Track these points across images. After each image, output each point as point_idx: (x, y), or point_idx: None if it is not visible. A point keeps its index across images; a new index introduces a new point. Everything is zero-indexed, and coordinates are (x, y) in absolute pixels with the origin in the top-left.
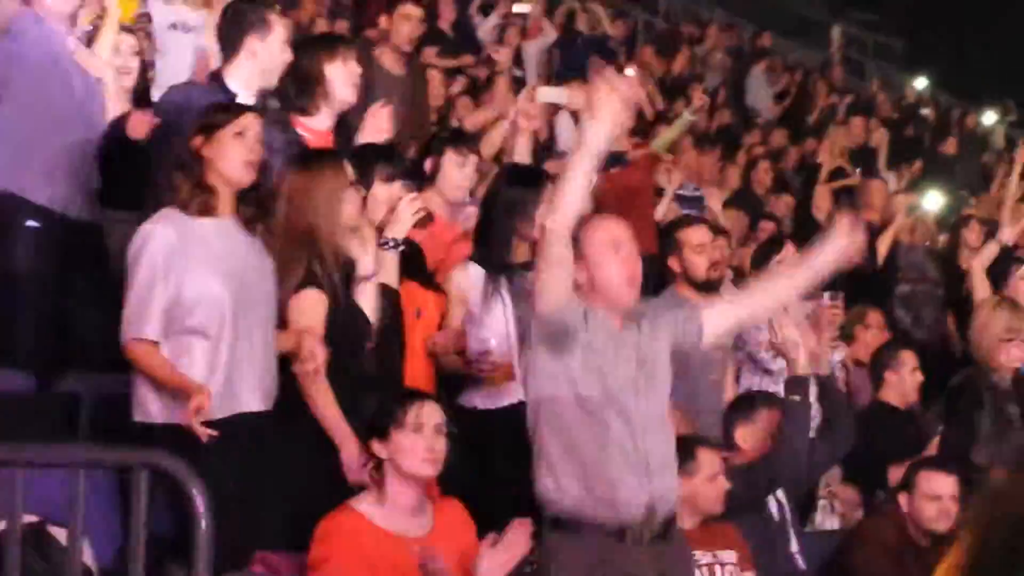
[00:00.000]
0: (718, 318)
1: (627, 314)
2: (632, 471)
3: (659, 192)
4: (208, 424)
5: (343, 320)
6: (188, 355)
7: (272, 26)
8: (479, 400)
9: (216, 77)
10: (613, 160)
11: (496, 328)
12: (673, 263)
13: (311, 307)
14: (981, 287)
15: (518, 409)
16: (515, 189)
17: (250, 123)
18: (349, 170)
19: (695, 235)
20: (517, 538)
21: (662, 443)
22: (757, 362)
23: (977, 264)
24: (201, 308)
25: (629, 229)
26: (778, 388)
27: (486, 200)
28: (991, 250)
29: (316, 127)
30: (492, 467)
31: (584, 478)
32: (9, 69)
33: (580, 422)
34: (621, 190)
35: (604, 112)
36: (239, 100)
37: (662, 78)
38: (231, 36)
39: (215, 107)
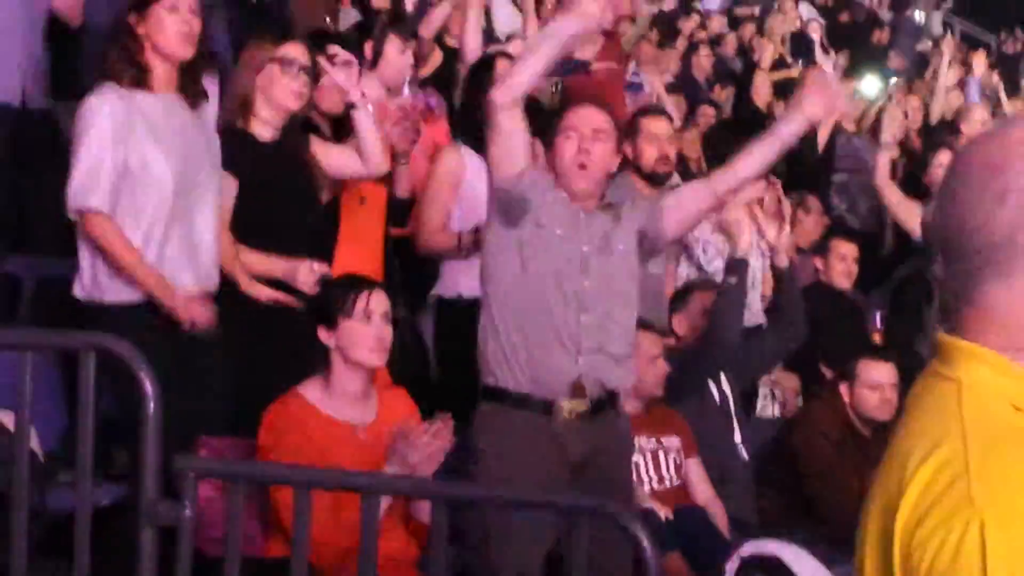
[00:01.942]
0: (679, 206)
1: (602, 201)
2: (561, 347)
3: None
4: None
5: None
6: (135, 234)
7: None
8: (465, 288)
9: None
10: (576, 66)
11: None
12: (626, 148)
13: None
14: (890, 195)
15: None
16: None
17: None
18: (290, 48)
19: (653, 125)
20: (440, 431)
21: (604, 325)
22: (692, 258)
23: (881, 172)
24: (143, 184)
25: (601, 119)
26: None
27: (465, 81)
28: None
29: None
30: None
31: (514, 350)
32: None
33: (519, 293)
34: (589, 81)
35: (583, 8)
36: None
37: None
38: None
39: None
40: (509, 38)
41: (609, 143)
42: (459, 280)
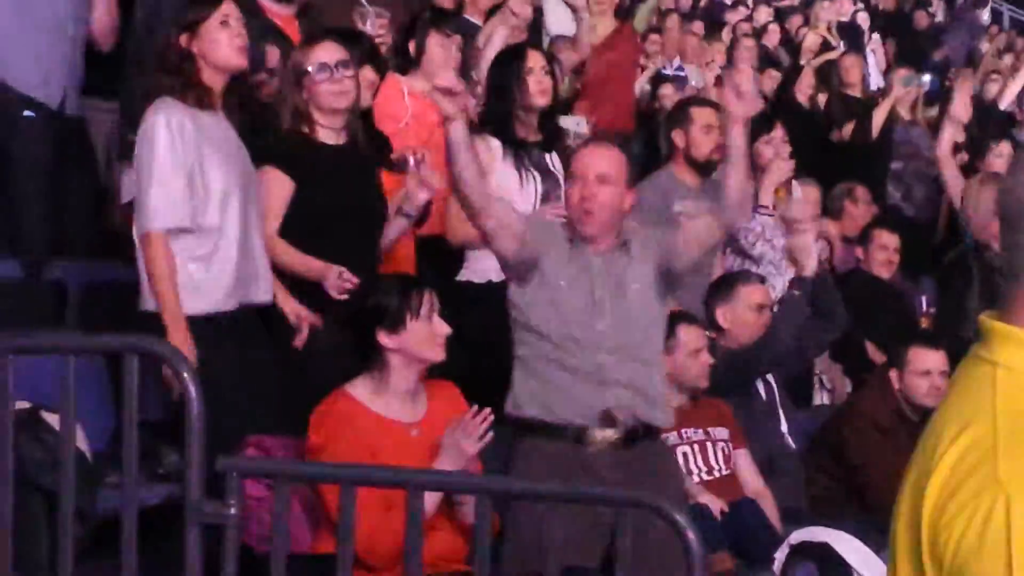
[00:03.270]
0: (693, 241)
1: (614, 239)
2: (588, 384)
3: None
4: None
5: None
6: (206, 248)
7: None
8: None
9: None
10: None
11: (526, 205)
12: (678, 137)
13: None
14: (948, 168)
15: None
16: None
17: (231, 9)
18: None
19: (705, 115)
20: (473, 428)
21: (628, 365)
22: (738, 246)
23: (944, 145)
24: (216, 200)
25: (606, 163)
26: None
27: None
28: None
29: (281, 12)
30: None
31: (544, 387)
32: None
33: (539, 342)
34: (603, 67)
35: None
36: None
37: None
38: None
39: (192, 2)
40: (556, 39)
41: (616, 185)
42: (488, 265)
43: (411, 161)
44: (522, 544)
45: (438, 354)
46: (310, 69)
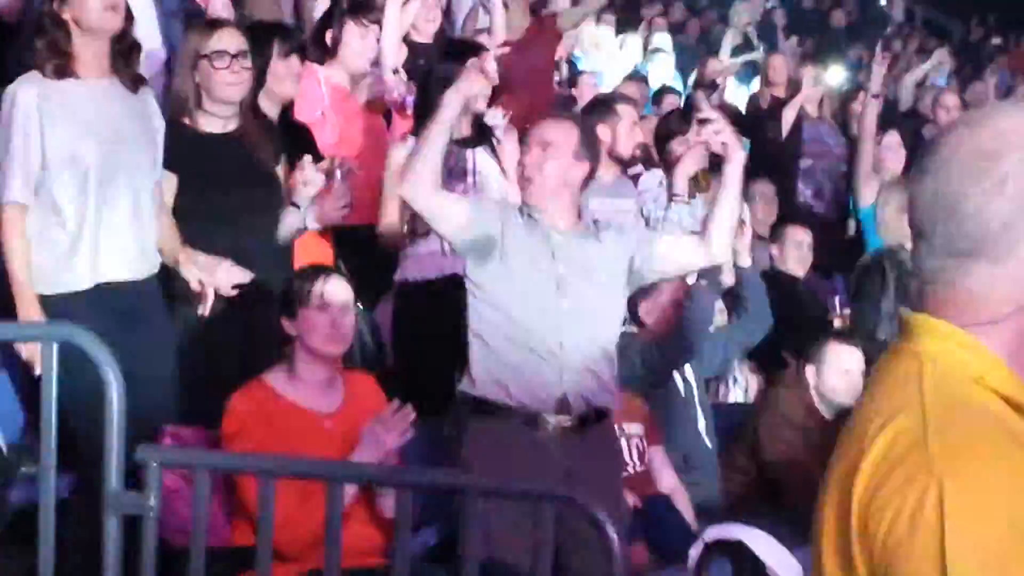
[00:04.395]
0: (672, 258)
1: (574, 217)
2: (545, 366)
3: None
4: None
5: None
6: (51, 220)
7: None
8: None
9: None
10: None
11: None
12: (602, 131)
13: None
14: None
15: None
16: (449, 64)
17: None
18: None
19: (630, 112)
20: (395, 423)
21: (588, 348)
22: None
23: (867, 121)
24: (64, 173)
25: (550, 128)
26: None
27: (422, 76)
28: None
29: None
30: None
31: (501, 368)
32: None
33: (500, 321)
34: (523, 61)
35: (462, 84)
36: None
37: None
38: None
39: None
40: (472, 30)
41: (563, 155)
42: (424, 263)
43: (337, 174)
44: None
45: (328, 346)
46: (208, 55)
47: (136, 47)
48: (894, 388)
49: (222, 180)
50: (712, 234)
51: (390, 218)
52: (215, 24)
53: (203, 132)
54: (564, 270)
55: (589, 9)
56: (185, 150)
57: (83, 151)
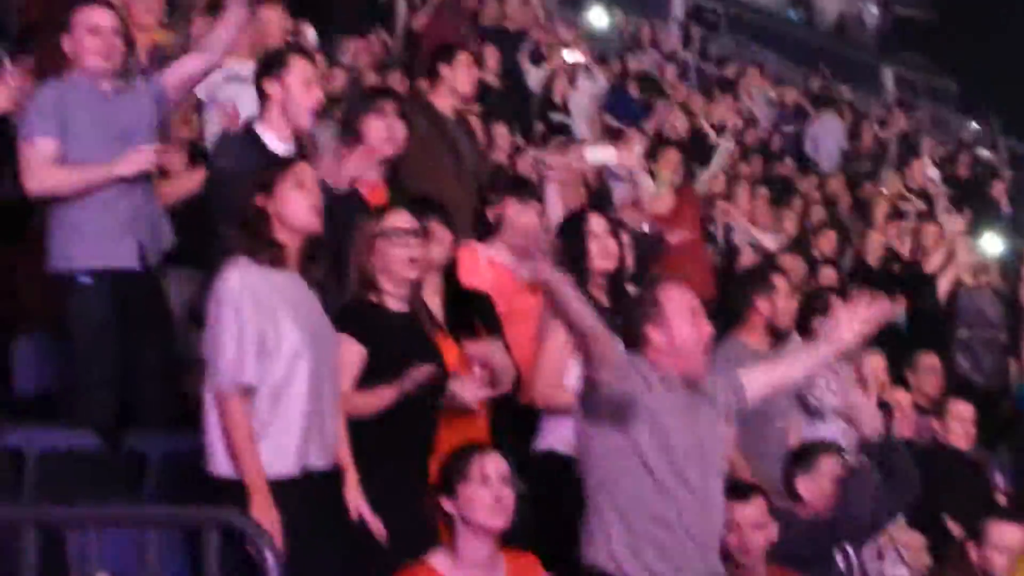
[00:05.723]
0: (755, 383)
1: (701, 383)
2: (695, 546)
3: (711, 237)
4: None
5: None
6: (275, 407)
7: (289, 65)
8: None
9: (247, 126)
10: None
11: None
12: (762, 304)
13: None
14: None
15: None
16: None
17: (306, 170)
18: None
19: (785, 283)
20: None
21: (711, 513)
22: (801, 401)
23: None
24: (284, 360)
25: (692, 295)
26: (825, 427)
27: None
28: None
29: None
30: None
31: (642, 550)
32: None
33: (645, 496)
34: (675, 253)
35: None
36: (269, 147)
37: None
38: (258, 82)
39: (269, 163)
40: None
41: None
42: (565, 434)
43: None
44: None
45: (491, 520)
46: (384, 232)
47: (322, 252)
48: None
49: (407, 357)
50: (804, 371)
51: (552, 379)
52: (389, 205)
53: (388, 310)
54: (698, 441)
55: (718, 161)
56: (377, 326)
57: (299, 339)
